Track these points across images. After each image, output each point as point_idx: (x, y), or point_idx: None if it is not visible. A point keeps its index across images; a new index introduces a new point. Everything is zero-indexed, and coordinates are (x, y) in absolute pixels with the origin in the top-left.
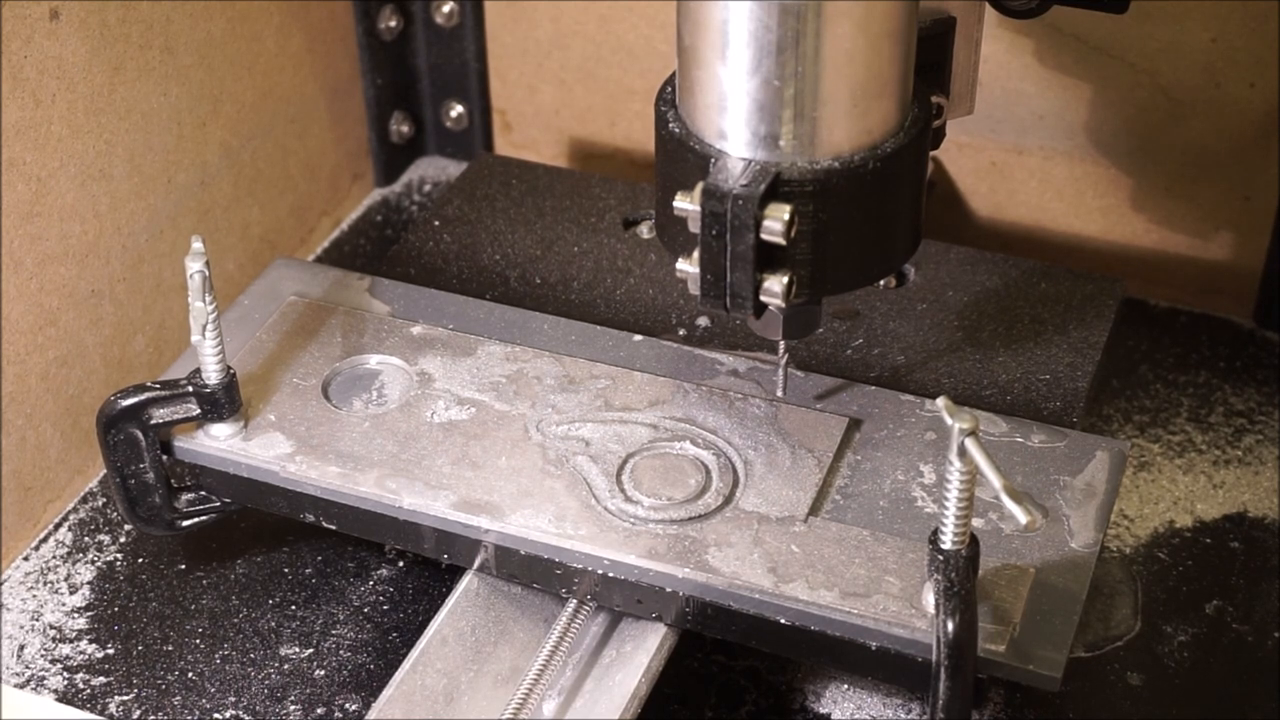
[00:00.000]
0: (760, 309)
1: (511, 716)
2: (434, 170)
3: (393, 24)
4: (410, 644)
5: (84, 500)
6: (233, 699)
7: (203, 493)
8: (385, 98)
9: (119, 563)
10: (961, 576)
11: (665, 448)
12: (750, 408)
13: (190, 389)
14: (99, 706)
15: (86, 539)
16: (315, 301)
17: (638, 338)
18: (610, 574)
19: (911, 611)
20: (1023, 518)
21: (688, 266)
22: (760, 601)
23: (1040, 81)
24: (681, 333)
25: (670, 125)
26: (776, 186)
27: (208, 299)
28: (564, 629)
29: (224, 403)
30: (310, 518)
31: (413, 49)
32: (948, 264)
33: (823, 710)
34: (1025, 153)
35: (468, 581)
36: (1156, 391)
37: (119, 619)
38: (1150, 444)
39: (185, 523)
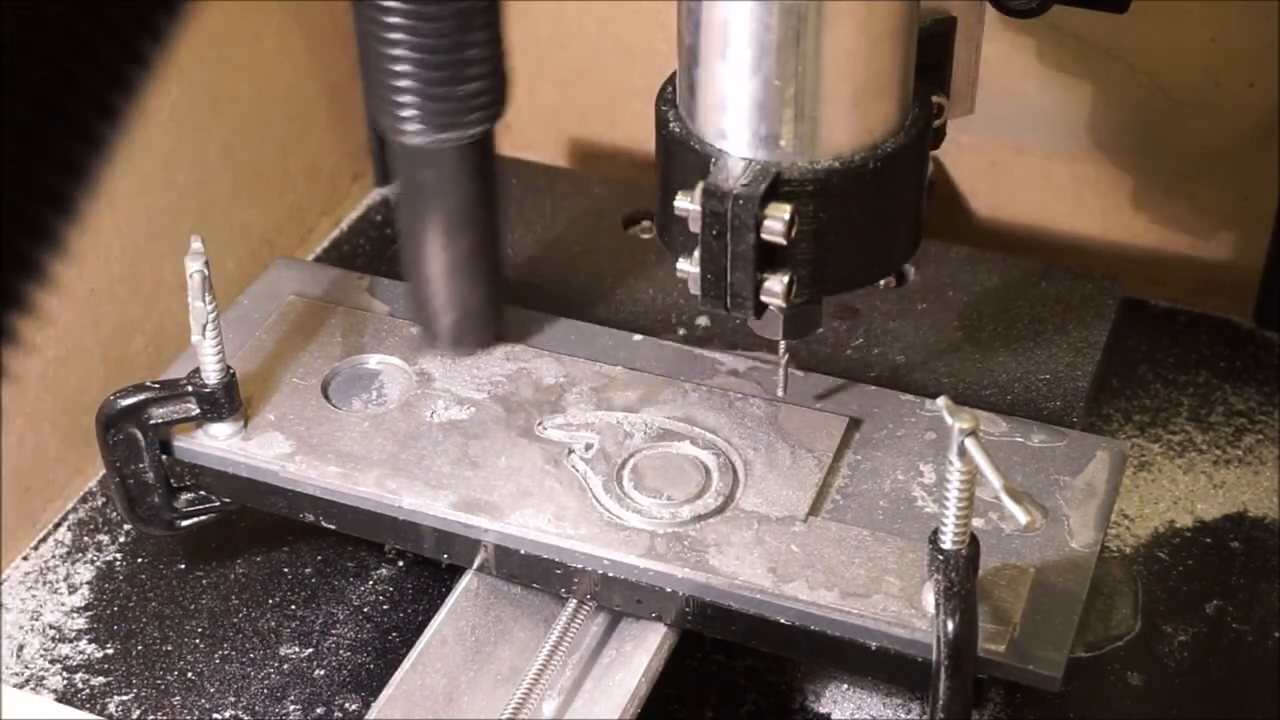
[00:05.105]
0: (760, 309)
1: (511, 716)
2: None
3: None
4: (410, 644)
5: (83, 500)
6: (232, 699)
7: (202, 493)
8: None
9: (118, 562)
10: (961, 576)
11: (665, 447)
12: (750, 408)
13: (190, 389)
14: (98, 706)
15: (86, 539)
16: (315, 301)
17: (638, 338)
18: (610, 574)
19: (911, 611)
20: (1023, 518)
21: (688, 266)
22: (760, 601)
23: (1040, 81)
24: (681, 333)
25: (670, 125)
26: (777, 186)
27: (207, 299)
28: (564, 629)
29: (224, 402)
30: (310, 518)
31: None
32: (948, 264)
33: (823, 710)
34: (1025, 153)
35: (467, 581)
36: (1156, 391)
37: (118, 619)
38: (1150, 444)
39: (185, 523)
